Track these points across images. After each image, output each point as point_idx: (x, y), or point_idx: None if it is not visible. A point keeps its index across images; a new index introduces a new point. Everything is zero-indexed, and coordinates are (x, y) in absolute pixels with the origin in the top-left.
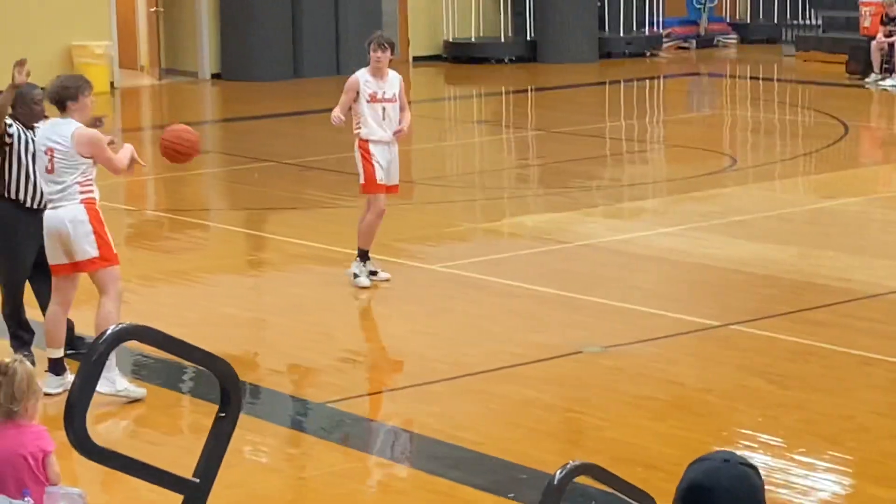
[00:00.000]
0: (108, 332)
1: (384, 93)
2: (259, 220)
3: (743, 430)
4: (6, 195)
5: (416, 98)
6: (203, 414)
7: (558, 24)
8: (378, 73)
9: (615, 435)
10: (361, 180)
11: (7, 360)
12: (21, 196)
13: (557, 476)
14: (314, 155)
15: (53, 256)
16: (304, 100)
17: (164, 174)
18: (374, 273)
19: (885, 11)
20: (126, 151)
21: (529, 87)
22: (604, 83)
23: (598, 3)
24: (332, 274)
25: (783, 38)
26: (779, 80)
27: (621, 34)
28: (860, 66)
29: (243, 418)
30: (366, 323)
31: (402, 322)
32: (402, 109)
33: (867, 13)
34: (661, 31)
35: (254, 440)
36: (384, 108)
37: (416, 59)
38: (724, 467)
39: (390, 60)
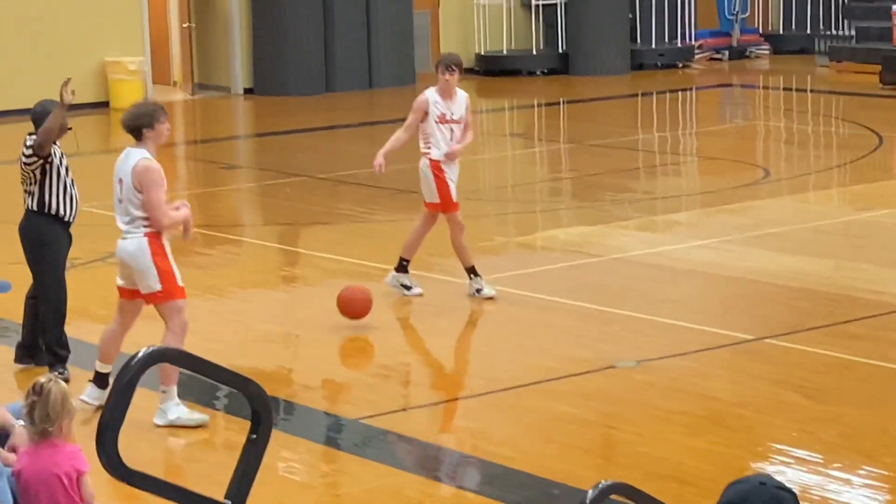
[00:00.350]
0: (140, 354)
1: (452, 114)
2: (292, 235)
3: (778, 445)
4: (47, 210)
5: None
6: (236, 431)
7: (590, 35)
8: (447, 94)
9: (649, 450)
10: (435, 199)
11: (42, 379)
12: (61, 211)
13: (590, 495)
14: (346, 169)
15: (121, 277)
16: (337, 114)
17: (196, 190)
18: (407, 287)
19: None
20: (181, 213)
21: (561, 100)
22: (636, 95)
23: (630, 15)
24: None
25: (816, 48)
26: (812, 90)
27: (653, 46)
28: (894, 76)
29: (276, 434)
30: (399, 338)
31: (435, 337)
32: (465, 128)
33: None
34: (693, 42)
35: (287, 457)
36: (452, 129)
37: None
38: (759, 490)
39: (459, 79)
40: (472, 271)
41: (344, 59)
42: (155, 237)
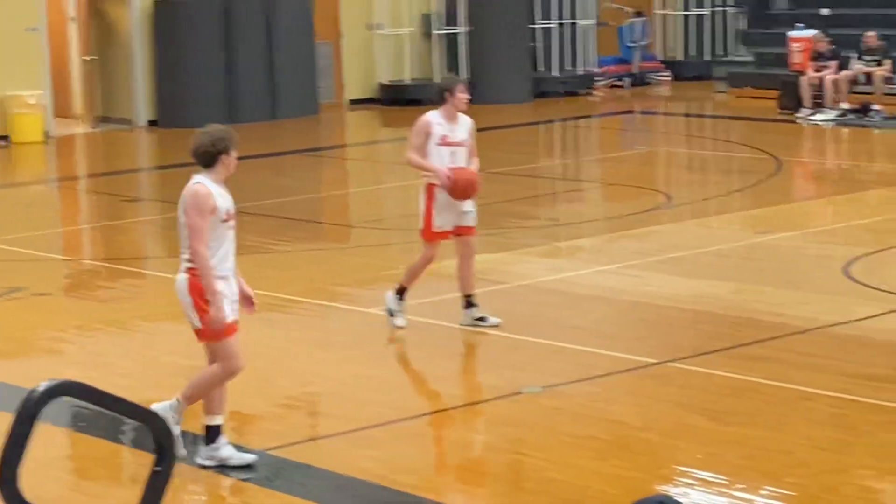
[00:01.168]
0: (40, 388)
1: (454, 136)
2: None
3: (683, 468)
4: None
5: (352, 142)
6: (143, 465)
7: (492, 64)
8: (453, 116)
9: (557, 476)
10: (421, 225)
11: None
12: None
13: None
14: (251, 200)
15: None
16: (241, 145)
17: (98, 223)
18: (481, 319)
19: (814, 47)
20: (213, 290)
21: None
22: (538, 123)
23: (532, 44)
24: (270, 319)
25: (715, 74)
26: (712, 116)
27: (555, 73)
28: (791, 101)
29: (183, 468)
30: (305, 368)
31: (342, 366)
32: (471, 155)
33: (797, 49)
34: (594, 70)
35: (194, 490)
36: (453, 152)
37: (351, 102)
38: None
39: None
40: (468, 303)
41: (247, 91)
42: (195, 274)
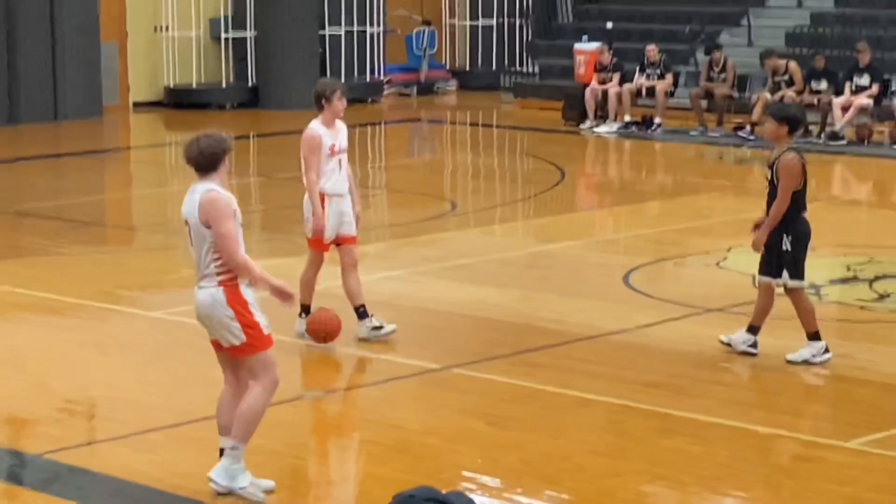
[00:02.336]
0: None
1: (339, 144)
2: None
3: (464, 472)
4: None
5: (136, 144)
6: None
7: (280, 70)
8: (332, 123)
9: (336, 479)
10: (310, 235)
11: None
12: None
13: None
14: (31, 201)
15: (209, 333)
16: (21, 146)
17: None
18: (378, 328)
19: (598, 59)
20: (272, 280)
21: (251, 134)
22: None
23: (320, 50)
24: (50, 323)
25: (502, 84)
26: (498, 126)
27: (343, 80)
28: (575, 112)
29: None
30: (85, 372)
31: (121, 370)
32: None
33: (581, 61)
34: (382, 77)
35: None
36: (339, 160)
37: (136, 104)
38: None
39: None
40: (305, 310)
41: (29, 91)
42: (232, 285)
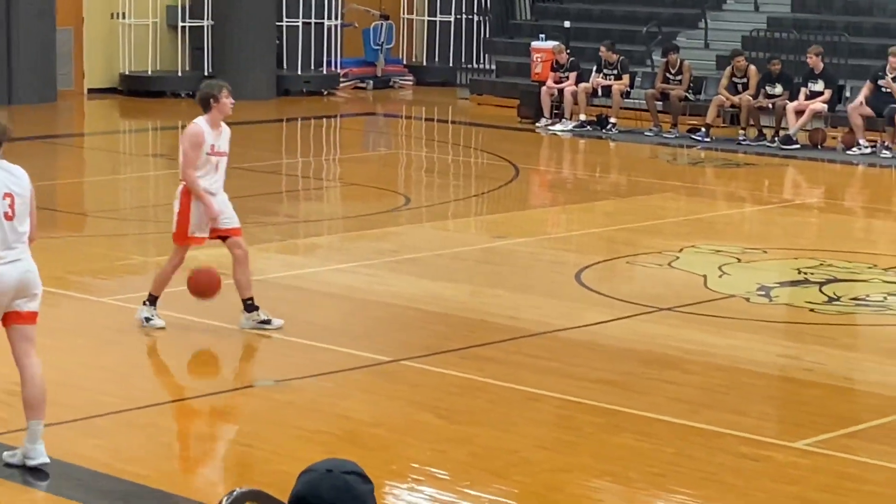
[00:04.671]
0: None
1: (220, 146)
2: None
3: (413, 465)
4: None
5: (90, 130)
6: None
7: (236, 59)
8: (217, 124)
9: (286, 468)
10: (174, 229)
11: None
12: None
13: (224, 502)
14: None
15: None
16: None
17: None
18: (267, 322)
19: (555, 58)
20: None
21: None
22: (281, 120)
23: (277, 41)
24: None
25: (458, 81)
26: (453, 122)
27: (299, 72)
28: (531, 110)
29: None
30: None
31: (69, 355)
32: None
33: (538, 59)
34: (338, 70)
35: None
36: (218, 163)
37: (90, 91)
38: (326, 478)
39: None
40: (249, 306)
41: None
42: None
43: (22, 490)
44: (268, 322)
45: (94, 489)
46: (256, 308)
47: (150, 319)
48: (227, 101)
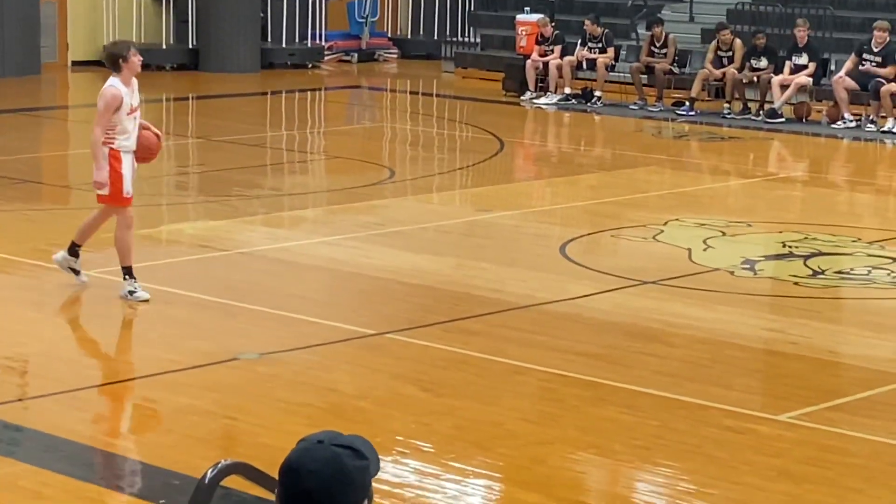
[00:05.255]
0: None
1: (135, 103)
2: None
3: (397, 437)
4: None
5: (73, 103)
6: None
7: (221, 32)
8: (129, 83)
9: (270, 441)
10: (107, 192)
11: None
12: None
13: (209, 474)
14: None
15: None
16: None
17: None
18: (76, 272)
19: (540, 31)
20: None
21: (191, 96)
22: (266, 93)
23: (262, 14)
24: None
25: (443, 54)
26: (438, 95)
27: (284, 45)
28: (516, 84)
29: None
30: (17, 328)
31: (54, 328)
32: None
33: (523, 33)
34: (323, 43)
35: None
36: (135, 118)
37: (74, 63)
38: (315, 448)
39: None
40: (128, 272)
41: None
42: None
43: (6, 463)
44: (134, 293)
45: (80, 462)
46: (133, 277)
47: (134, 292)
48: (135, 59)
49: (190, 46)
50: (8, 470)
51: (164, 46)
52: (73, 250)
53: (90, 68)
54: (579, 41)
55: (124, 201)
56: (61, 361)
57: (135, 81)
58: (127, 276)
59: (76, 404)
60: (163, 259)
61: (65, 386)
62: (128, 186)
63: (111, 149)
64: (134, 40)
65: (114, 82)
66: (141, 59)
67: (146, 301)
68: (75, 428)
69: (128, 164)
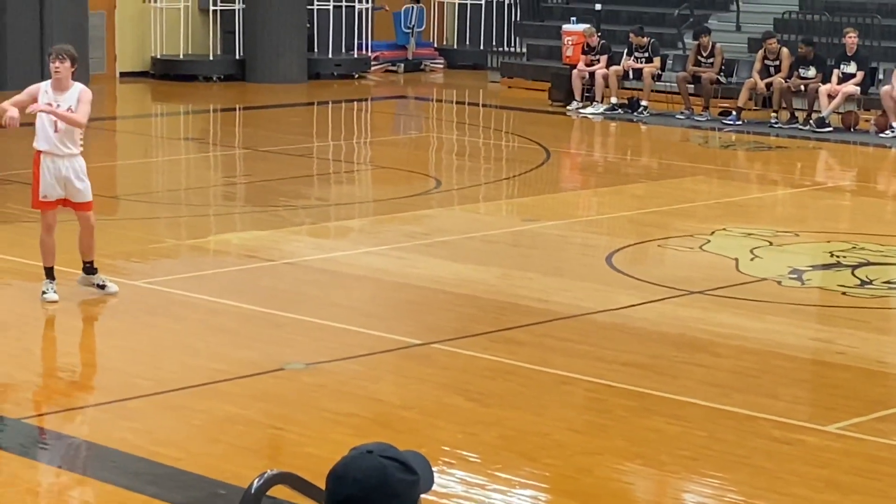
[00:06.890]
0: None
1: (59, 105)
2: None
3: (443, 447)
4: None
5: (122, 114)
6: None
7: (267, 43)
8: (57, 86)
9: (316, 451)
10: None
11: None
12: None
13: (255, 484)
14: (14, 169)
15: None
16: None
17: None
18: (102, 286)
19: (586, 41)
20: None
21: (237, 106)
22: (312, 104)
23: (308, 25)
24: (33, 289)
25: (489, 64)
26: (484, 105)
27: (330, 56)
28: (562, 93)
29: None
30: (67, 338)
31: (103, 338)
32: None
33: (569, 42)
34: (369, 53)
35: None
36: (56, 122)
37: (122, 74)
38: (363, 458)
39: (73, 73)
40: (49, 273)
41: (16, 58)
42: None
43: (53, 472)
44: (103, 287)
45: (128, 472)
46: (96, 271)
47: (45, 293)
48: (51, 66)
49: (237, 57)
50: (56, 480)
51: (210, 57)
52: (88, 269)
53: (138, 79)
54: (625, 51)
55: (38, 205)
56: (110, 371)
57: (76, 89)
58: (89, 272)
59: (125, 414)
60: (210, 269)
61: (114, 396)
62: (43, 190)
63: (36, 152)
64: (181, 51)
65: (46, 81)
66: (56, 67)
67: (54, 302)
68: (124, 438)
69: (48, 167)
